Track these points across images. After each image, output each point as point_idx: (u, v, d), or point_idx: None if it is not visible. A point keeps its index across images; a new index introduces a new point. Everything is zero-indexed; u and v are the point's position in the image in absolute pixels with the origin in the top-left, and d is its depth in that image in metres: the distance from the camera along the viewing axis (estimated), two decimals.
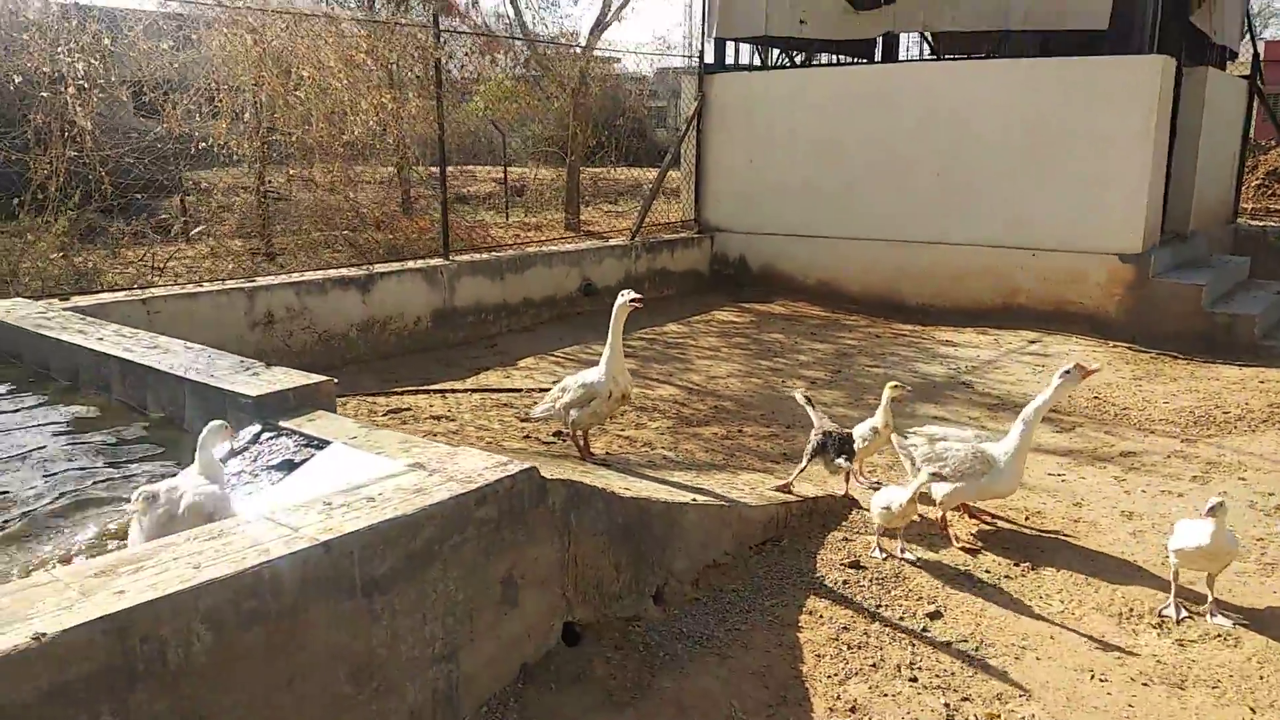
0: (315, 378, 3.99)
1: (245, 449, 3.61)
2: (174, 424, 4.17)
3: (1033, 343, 8.71)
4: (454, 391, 6.73)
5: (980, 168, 9.66)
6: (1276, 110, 14.88)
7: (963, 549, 4.27)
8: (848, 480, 4.87)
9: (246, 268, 8.20)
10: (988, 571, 4.08)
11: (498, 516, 2.96)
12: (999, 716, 3.09)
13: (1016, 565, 4.13)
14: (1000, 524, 4.59)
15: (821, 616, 3.69)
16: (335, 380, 4.04)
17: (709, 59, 11.71)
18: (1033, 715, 3.09)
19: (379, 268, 8.06)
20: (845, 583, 3.96)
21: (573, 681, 3.16)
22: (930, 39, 14.76)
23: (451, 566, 2.83)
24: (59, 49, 6.88)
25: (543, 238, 11.00)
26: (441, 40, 8.77)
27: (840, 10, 10.64)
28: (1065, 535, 4.50)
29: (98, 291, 6.62)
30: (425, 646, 2.78)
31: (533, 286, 9.26)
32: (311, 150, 8.74)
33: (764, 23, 11.09)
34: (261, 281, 7.24)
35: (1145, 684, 3.28)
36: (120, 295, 6.47)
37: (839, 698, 3.18)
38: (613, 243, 10.63)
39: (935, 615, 3.71)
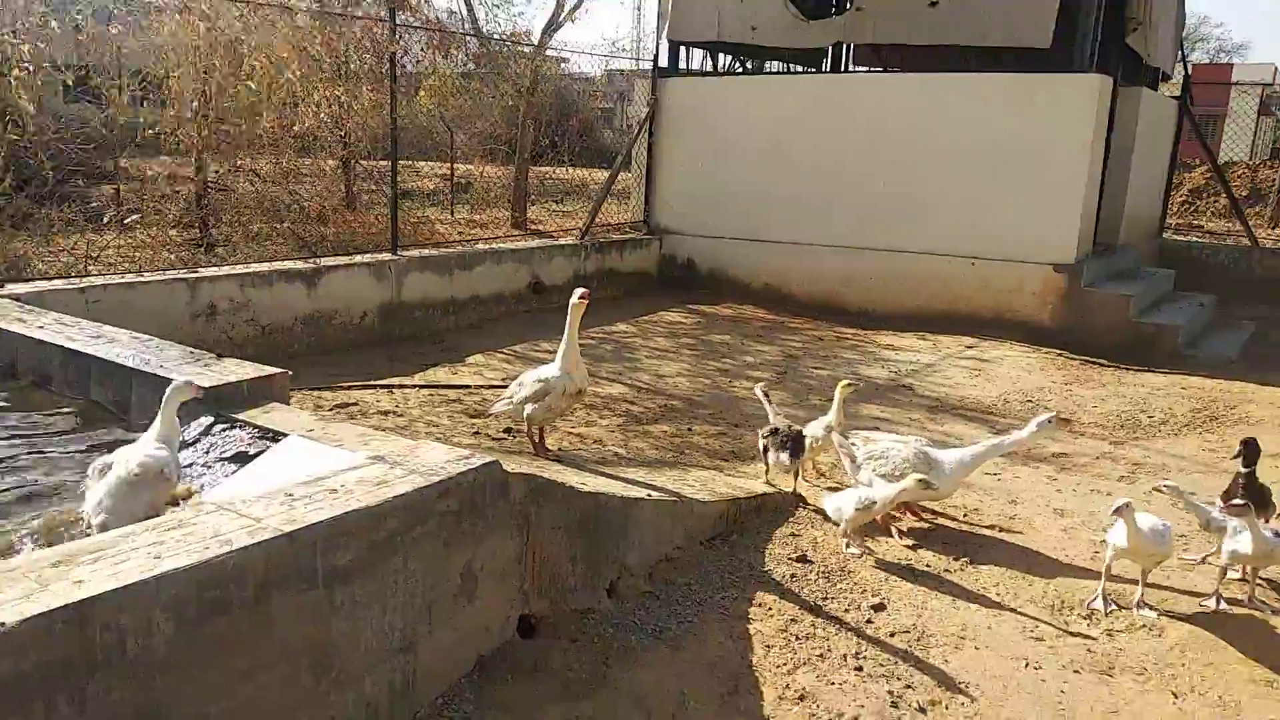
0: (269, 370, 3.97)
1: (197, 440, 3.57)
2: (121, 414, 4.10)
3: (970, 348, 8.98)
4: (402, 387, 6.70)
5: (924, 178, 9.92)
6: (1203, 130, 15.52)
7: (905, 546, 4.41)
8: (795, 478, 4.98)
9: (184, 258, 8.04)
10: (928, 566, 4.23)
11: (459, 509, 2.99)
12: (940, 703, 3.22)
13: (955, 560, 4.29)
14: (940, 521, 4.75)
15: (771, 609, 3.79)
16: (290, 373, 4.02)
17: (663, 62, 11.82)
18: (972, 701, 3.23)
19: (326, 261, 7.98)
20: (793, 576, 4.07)
21: (528, 673, 3.20)
22: (879, 52, 15.08)
23: (413, 558, 2.85)
24: (3, 30, 6.68)
25: (489, 235, 10.98)
26: (397, 34, 8.70)
27: (791, 18, 10.82)
28: (1001, 531, 4.67)
29: (34, 279, 6.44)
30: (384, 637, 2.80)
31: (481, 283, 9.24)
32: (260, 140, 8.60)
33: (716, 27, 11.22)
34: (205, 272, 7.12)
35: (1076, 671, 3.44)
36: (58, 283, 6.30)
37: (788, 686, 3.28)
38: (562, 242, 10.65)
39: (879, 607, 3.83)
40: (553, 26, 12.93)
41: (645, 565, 3.97)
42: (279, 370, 3.96)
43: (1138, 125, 10.58)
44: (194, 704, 2.33)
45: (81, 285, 6.30)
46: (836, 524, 4.38)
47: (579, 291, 4.65)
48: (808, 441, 4.97)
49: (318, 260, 7.96)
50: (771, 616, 3.75)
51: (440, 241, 9.89)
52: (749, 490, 4.79)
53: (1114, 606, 3.91)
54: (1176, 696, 3.33)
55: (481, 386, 6.76)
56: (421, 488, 2.83)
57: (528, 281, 9.81)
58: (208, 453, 3.56)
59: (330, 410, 6.04)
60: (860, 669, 3.41)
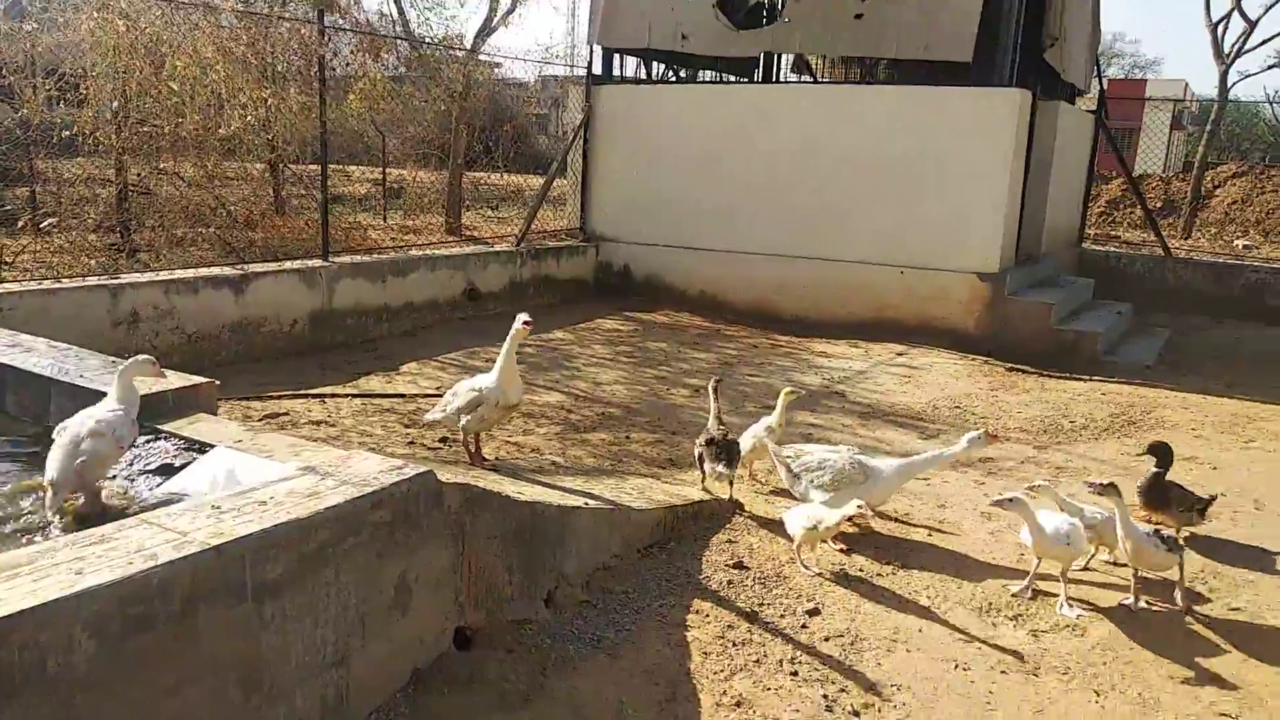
0: (195, 379, 3.86)
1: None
2: (37, 425, 3.94)
3: (900, 355, 9.17)
4: (334, 396, 6.58)
5: (854, 188, 10.11)
6: (1119, 144, 16.13)
7: (839, 550, 4.48)
8: (731, 486, 5.02)
9: (105, 264, 7.78)
10: (861, 570, 4.31)
11: (392, 520, 2.95)
12: (873, 706, 3.28)
13: (887, 564, 4.37)
14: (872, 524, 4.83)
15: (708, 615, 3.82)
16: (217, 382, 3.92)
17: (597, 70, 11.84)
18: (904, 704, 3.29)
19: (254, 267, 7.80)
20: (730, 583, 4.10)
21: (465, 685, 3.16)
22: (810, 62, 15.33)
23: (345, 571, 2.80)
24: None
25: (423, 241, 10.86)
26: (326, 36, 8.55)
27: (720, 28, 10.94)
28: (931, 535, 4.78)
29: None
30: (316, 652, 2.75)
31: (415, 290, 9.13)
32: (184, 143, 8.37)
33: (646, 35, 11.28)
34: (127, 278, 6.89)
35: (1003, 672, 3.54)
36: None
37: (725, 693, 3.30)
38: (498, 248, 10.58)
39: (814, 612, 3.89)
40: (486, 31, 12.87)
41: (583, 574, 3.96)
42: (205, 380, 3.86)
43: (1056, 139, 10.96)
44: None
45: None
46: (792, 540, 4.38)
47: (522, 317, 4.65)
48: (749, 444, 5.04)
49: (245, 266, 7.78)
50: (709, 623, 3.77)
51: (373, 247, 9.75)
52: (686, 497, 4.81)
53: (1030, 593, 4.06)
54: (1099, 695, 3.44)
55: (416, 395, 6.68)
56: (354, 499, 2.78)
57: (463, 288, 9.72)
58: (132, 465, 3.45)
59: (260, 420, 5.90)
60: (795, 674, 3.45)
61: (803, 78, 15.25)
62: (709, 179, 10.87)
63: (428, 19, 14.86)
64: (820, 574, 4.19)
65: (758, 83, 13.30)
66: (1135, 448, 6.45)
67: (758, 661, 3.52)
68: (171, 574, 2.34)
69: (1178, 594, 4.11)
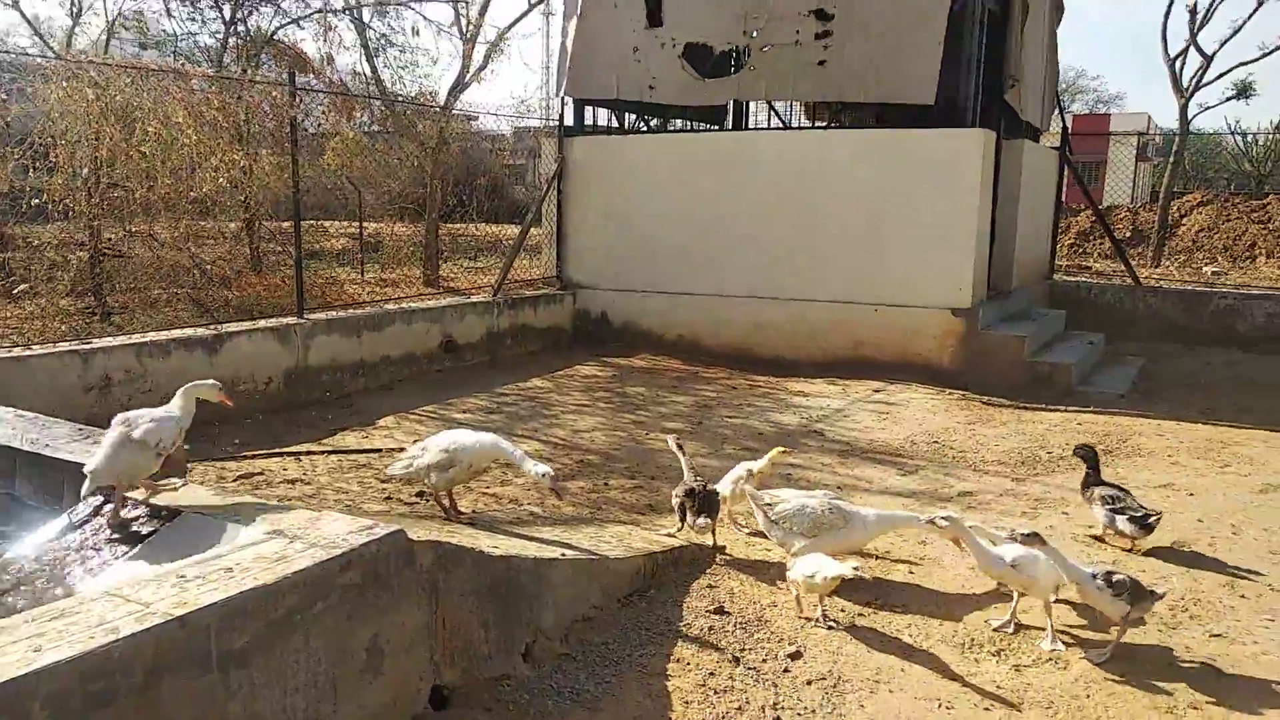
0: None
1: (86, 521, 3.41)
2: (4, 492, 3.89)
3: (877, 392, 9.22)
4: (310, 454, 6.53)
5: (827, 229, 10.23)
6: (1086, 176, 16.45)
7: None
8: (714, 534, 4.98)
9: (78, 328, 7.74)
10: (843, 610, 4.28)
11: (362, 581, 2.92)
12: None
13: (868, 604, 4.35)
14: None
15: (689, 664, 3.78)
16: (186, 446, 3.88)
17: (569, 121, 11.99)
18: None
19: (228, 327, 7.77)
20: (711, 629, 4.07)
21: None
22: (776, 108, 15.59)
23: (314, 635, 2.76)
24: None
25: (401, 294, 10.88)
26: (297, 98, 8.64)
27: (687, 78, 11.11)
28: (912, 572, 4.77)
29: None
30: (286, 719, 2.70)
31: (391, 344, 9.12)
32: (155, 205, 8.39)
33: (614, 87, 11.44)
34: (98, 343, 6.85)
35: (986, 709, 3.51)
36: None
37: None
38: (474, 299, 10.61)
39: (796, 655, 3.86)
40: (459, 87, 13.03)
41: (562, 626, 3.92)
42: None
43: (1022, 175, 11.14)
44: None
45: None
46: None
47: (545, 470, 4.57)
48: (729, 489, 5.04)
49: (219, 326, 7.75)
50: (690, 671, 3.74)
51: (350, 302, 9.76)
52: (666, 544, 4.79)
53: (1013, 627, 4.05)
54: None
55: (393, 450, 6.63)
56: (322, 561, 2.76)
57: (440, 340, 9.72)
58: (97, 534, 3.40)
59: (234, 481, 5.85)
60: (779, 719, 3.42)
61: (772, 123, 15.51)
62: (683, 224, 10.97)
63: (401, 77, 15.06)
64: (833, 625, 4.09)
65: (728, 129, 13.50)
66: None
67: (740, 709, 3.48)
68: (133, 647, 2.30)
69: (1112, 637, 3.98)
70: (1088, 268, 18.00)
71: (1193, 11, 18.47)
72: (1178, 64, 19.24)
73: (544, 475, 4.49)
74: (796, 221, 10.37)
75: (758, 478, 5.20)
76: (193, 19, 16.53)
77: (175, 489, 3.62)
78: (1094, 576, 3.86)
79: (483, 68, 13.03)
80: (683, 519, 4.84)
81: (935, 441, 7.43)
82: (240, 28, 16.18)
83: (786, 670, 3.76)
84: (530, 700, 3.44)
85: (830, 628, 4.06)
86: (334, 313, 8.87)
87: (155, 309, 8.79)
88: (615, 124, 13.53)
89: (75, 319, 8.08)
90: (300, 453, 6.52)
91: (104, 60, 8.02)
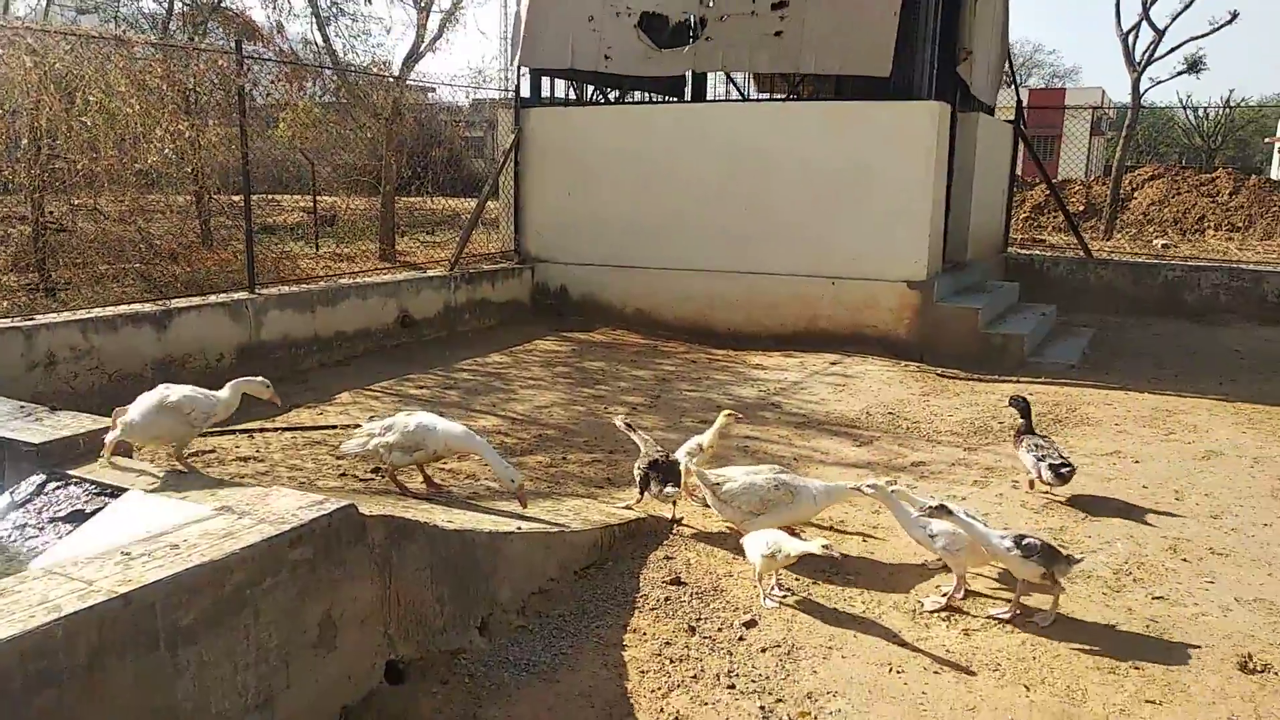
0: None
1: (29, 500, 3.34)
2: None
3: (834, 364, 9.30)
4: (263, 431, 6.44)
5: (784, 202, 10.25)
6: (1043, 150, 16.66)
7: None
8: (674, 505, 5.02)
9: (21, 304, 7.54)
10: (797, 579, 4.34)
11: (313, 557, 2.89)
12: (810, 714, 3.30)
13: (822, 572, 4.41)
14: (806, 533, 4.87)
15: (645, 634, 3.81)
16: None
17: (525, 93, 11.85)
18: (839, 710, 3.32)
19: (176, 302, 7.62)
20: (667, 599, 4.10)
21: None
22: (735, 80, 15.54)
23: (264, 612, 2.74)
24: None
25: (356, 268, 10.72)
26: (245, 67, 8.43)
27: (644, 47, 11.02)
28: (865, 541, 4.84)
29: None
30: (237, 697, 2.68)
31: (347, 319, 9.00)
32: (99, 178, 8.16)
33: (569, 56, 11.31)
34: (41, 319, 6.68)
35: (936, 672, 3.59)
36: None
37: (662, 710, 3.30)
38: (431, 273, 10.50)
39: (751, 624, 3.90)
40: (414, 57, 12.81)
41: (518, 600, 3.93)
42: None
43: (977, 148, 11.24)
44: None
45: None
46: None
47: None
48: (684, 462, 5.05)
49: (168, 302, 7.60)
50: (646, 641, 3.77)
51: (303, 277, 9.60)
52: (623, 517, 4.81)
53: (961, 593, 4.14)
54: (1028, 689, 3.51)
55: (348, 426, 6.56)
56: (271, 537, 2.73)
57: (396, 315, 9.61)
58: (40, 513, 3.33)
59: (185, 459, 5.75)
60: (733, 687, 3.46)
61: (731, 95, 15.46)
62: (641, 198, 10.93)
63: (354, 46, 14.76)
64: (782, 603, 4.10)
65: (687, 101, 13.44)
66: (1063, 445, 6.64)
67: (695, 677, 3.52)
68: (76, 626, 2.26)
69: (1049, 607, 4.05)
70: (1042, 240, 18.26)
71: None
72: (1130, 38, 19.51)
73: (514, 483, 4.48)
74: (754, 194, 10.38)
75: (709, 451, 5.23)
76: None
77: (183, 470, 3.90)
78: (1005, 540, 3.92)
79: (438, 37, 12.83)
80: (642, 490, 4.86)
81: (890, 413, 7.52)
82: None
83: (742, 639, 3.81)
84: (486, 673, 3.45)
85: (780, 603, 4.10)
86: (287, 288, 8.73)
87: (102, 285, 8.58)
88: (574, 96, 13.41)
89: (18, 295, 7.85)
90: (253, 430, 6.43)
91: (42, 26, 7.74)
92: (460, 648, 3.53)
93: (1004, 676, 3.58)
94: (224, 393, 4.10)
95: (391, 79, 12.64)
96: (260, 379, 4.30)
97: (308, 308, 8.55)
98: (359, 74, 13.00)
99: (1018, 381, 8.70)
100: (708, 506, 5.13)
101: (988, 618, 4.00)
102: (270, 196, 17.30)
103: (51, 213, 8.79)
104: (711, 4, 10.63)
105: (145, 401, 3.82)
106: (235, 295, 8.08)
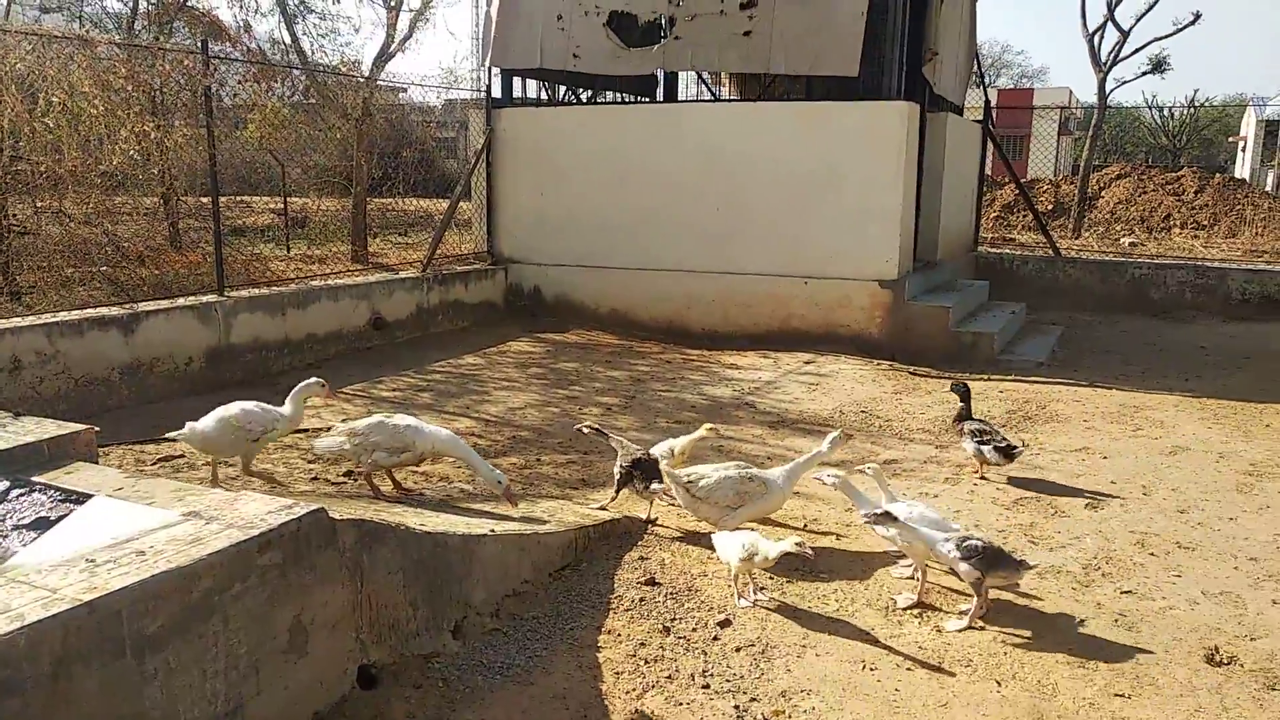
0: (72, 426, 3.69)
1: None
2: None
3: (808, 363, 9.34)
4: None
5: (757, 201, 10.29)
6: (1011, 150, 16.84)
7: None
8: (651, 504, 5.02)
9: None
10: (771, 579, 4.35)
11: (283, 562, 2.86)
12: (784, 713, 3.31)
13: (796, 570, 4.43)
14: (780, 532, 4.89)
15: (620, 635, 3.81)
16: (96, 429, 3.76)
17: (496, 93, 11.81)
18: (813, 708, 3.33)
19: (144, 305, 7.52)
20: (641, 600, 4.10)
21: None
22: (708, 80, 15.58)
23: (233, 618, 2.71)
24: None
25: (328, 270, 10.64)
26: (211, 67, 8.33)
27: (612, 46, 11.01)
28: (839, 540, 4.86)
29: None
30: (206, 704, 2.64)
31: (318, 321, 8.92)
32: (63, 180, 8.03)
33: (538, 55, 11.29)
34: (6, 324, 6.57)
35: (909, 669, 3.61)
36: None
37: (637, 710, 3.30)
38: (403, 275, 10.44)
39: (725, 624, 3.91)
40: (384, 57, 12.73)
41: (492, 602, 3.91)
42: (84, 427, 3.69)
43: (946, 148, 11.34)
44: None
45: None
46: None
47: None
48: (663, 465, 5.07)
49: (135, 305, 7.49)
50: (620, 643, 3.76)
51: (274, 279, 9.50)
52: (597, 518, 4.80)
53: (910, 599, 4.14)
54: (999, 684, 3.54)
55: (319, 430, 6.50)
56: (239, 543, 2.69)
57: (368, 317, 9.54)
58: (3, 520, 3.27)
59: (154, 464, 5.68)
60: (707, 686, 3.47)
61: (703, 96, 15.50)
62: (614, 198, 10.93)
63: (322, 45, 14.63)
64: (756, 603, 4.09)
65: (659, 102, 13.46)
66: (1030, 441, 6.72)
67: (670, 677, 3.52)
68: (40, 634, 2.23)
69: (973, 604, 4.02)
70: (1011, 239, 18.45)
71: None
72: (1096, 39, 19.79)
73: (500, 484, 4.54)
74: (727, 194, 10.41)
75: (680, 457, 5.26)
76: None
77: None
78: (948, 544, 3.92)
79: (408, 37, 12.77)
80: (619, 489, 4.85)
81: (863, 411, 7.57)
82: None
83: (716, 638, 3.81)
84: (460, 676, 3.43)
85: (754, 604, 4.10)
86: (257, 290, 8.65)
87: (68, 288, 8.44)
88: (546, 97, 13.38)
89: None
90: None
91: (3, 26, 7.61)
92: (434, 651, 3.51)
93: (976, 672, 3.62)
94: (285, 408, 4.41)
95: (361, 79, 12.55)
96: (315, 380, 4.56)
97: (278, 310, 8.47)
98: (328, 74, 12.89)
99: (988, 379, 8.78)
100: (676, 506, 5.13)
101: (959, 630, 3.94)
102: (239, 198, 17.12)
103: (15, 215, 8.64)
104: (680, 3, 10.65)
105: (212, 415, 4.18)
106: (204, 298, 7.99)
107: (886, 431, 7.04)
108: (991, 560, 3.87)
